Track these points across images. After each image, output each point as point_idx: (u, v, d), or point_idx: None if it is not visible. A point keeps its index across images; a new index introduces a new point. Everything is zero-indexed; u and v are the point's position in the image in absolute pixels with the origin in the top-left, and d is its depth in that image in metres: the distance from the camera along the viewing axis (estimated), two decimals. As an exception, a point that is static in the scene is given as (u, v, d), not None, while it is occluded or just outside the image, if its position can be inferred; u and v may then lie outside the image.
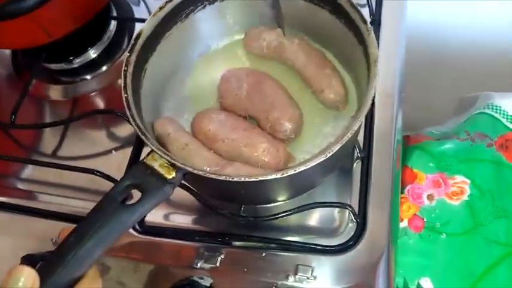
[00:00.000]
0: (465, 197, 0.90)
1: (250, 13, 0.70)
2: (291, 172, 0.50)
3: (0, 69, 0.94)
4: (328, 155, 0.50)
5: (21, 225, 0.74)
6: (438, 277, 0.86)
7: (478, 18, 1.21)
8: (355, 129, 0.52)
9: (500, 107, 0.98)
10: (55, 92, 0.89)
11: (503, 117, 0.97)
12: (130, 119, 0.55)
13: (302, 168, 0.50)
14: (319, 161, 0.50)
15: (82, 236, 0.47)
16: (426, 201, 0.91)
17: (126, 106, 0.56)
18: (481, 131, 0.96)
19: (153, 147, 0.53)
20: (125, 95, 0.57)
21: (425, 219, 0.89)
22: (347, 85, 0.65)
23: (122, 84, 0.57)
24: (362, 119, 0.52)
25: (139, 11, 0.93)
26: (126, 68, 0.58)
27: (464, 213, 0.88)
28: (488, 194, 0.89)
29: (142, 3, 0.94)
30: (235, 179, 0.51)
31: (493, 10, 1.20)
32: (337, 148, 0.50)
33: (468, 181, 0.91)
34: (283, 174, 0.51)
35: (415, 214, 0.91)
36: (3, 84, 0.92)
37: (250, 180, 0.51)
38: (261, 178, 0.51)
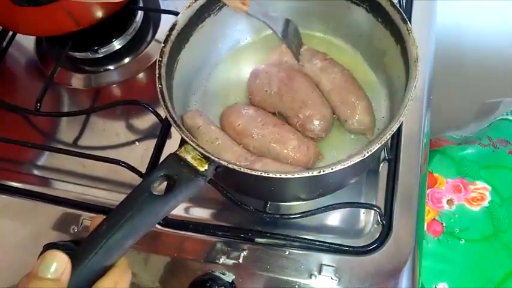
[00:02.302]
0: (485, 204, 0.89)
1: (284, 12, 0.69)
2: (328, 170, 0.50)
3: (24, 56, 0.93)
4: (367, 155, 0.50)
5: (42, 213, 0.73)
6: (455, 283, 0.86)
7: (502, 23, 1.20)
8: (394, 130, 0.51)
9: (523, 113, 0.97)
10: (77, 81, 0.88)
11: (526, 124, 0.96)
12: (165, 110, 0.55)
13: (339, 167, 0.50)
14: (357, 160, 0.49)
15: (113, 225, 0.47)
16: (446, 206, 0.91)
17: (160, 97, 0.55)
18: (503, 137, 0.95)
19: (187, 139, 0.53)
20: (159, 86, 0.56)
21: (444, 224, 0.89)
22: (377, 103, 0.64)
23: (157, 75, 0.57)
24: (401, 119, 0.51)
25: (165, 4, 0.92)
26: (160, 59, 0.58)
27: (484, 220, 0.88)
28: (509, 201, 0.89)
29: (169, -2, 0.93)
30: (270, 175, 0.50)
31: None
32: (376, 148, 0.50)
33: (489, 187, 0.90)
34: (319, 172, 0.50)
35: (434, 219, 0.90)
36: (27, 71, 0.92)
37: (285, 177, 0.50)
38: (296, 175, 0.50)
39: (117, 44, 0.87)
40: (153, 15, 0.91)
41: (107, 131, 0.82)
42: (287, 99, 0.63)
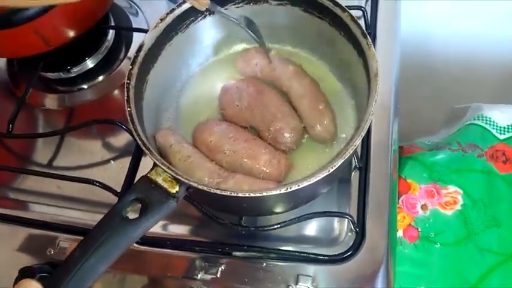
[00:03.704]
0: (458, 207, 0.91)
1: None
2: (295, 187, 0.51)
3: (-5, 78, 0.93)
4: (331, 170, 0.51)
5: (17, 237, 0.72)
6: (433, 286, 0.87)
7: (468, 32, 1.24)
8: (357, 143, 0.52)
9: (490, 118, 1.00)
10: (51, 101, 0.88)
11: (493, 128, 0.99)
12: (134, 134, 0.55)
13: (305, 183, 0.51)
14: (323, 176, 0.51)
15: (86, 250, 0.47)
16: (420, 212, 0.92)
17: (129, 120, 0.56)
18: (472, 142, 0.97)
19: (158, 162, 0.53)
20: (128, 109, 0.57)
21: (419, 229, 0.90)
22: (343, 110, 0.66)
23: (125, 98, 0.57)
24: (363, 133, 0.53)
25: (137, 22, 0.93)
26: (128, 82, 0.58)
27: (458, 223, 0.90)
28: (480, 203, 0.91)
29: (140, 13, 0.94)
30: (239, 194, 0.51)
31: (482, 23, 1.23)
32: (340, 163, 0.51)
33: (460, 191, 0.92)
34: (287, 189, 0.51)
35: (409, 224, 0.91)
36: (-2, 93, 0.91)
37: (255, 195, 0.51)
38: (265, 193, 0.51)
39: (90, 63, 0.87)
40: (125, 32, 0.91)
41: (81, 151, 0.82)
42: (258, 113, 0.64)
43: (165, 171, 0.52)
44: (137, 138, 0.54)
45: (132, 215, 0.51)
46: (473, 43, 1.27)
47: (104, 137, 0.83)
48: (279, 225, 0.63)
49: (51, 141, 0.83)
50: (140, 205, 0.52)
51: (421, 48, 1.24)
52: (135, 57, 0.60)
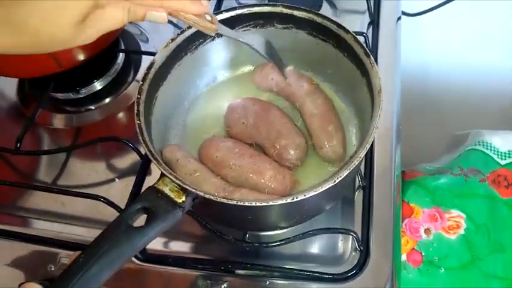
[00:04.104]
0: (461, 231, 0.90)
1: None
2: (301, 197, 0.52)
3: (5, 99, 0.95)
4: (337, 181, 0.52)
5: (18, 253, 0.72)
6: (438, 312, 0.86)
7: (467, 59, 1.27)
8: (362, 156, 0.54)
9: (490, 143, 1.01)
10: (58, 121, 0.90)
11: (494, 154, 1.00)
12: (143, 144, 0.56)
13: (312, 193, 0.52)
14: (328, 186, 0.51)
15: (90, 258, 0.47)
16: (424, 236, 0.91)
17: (139, 132, 0.57)
18: (473, 167, 0.98)
19: (165, 172, 0.54)
20: (138, 122, 0.58)
21: (423, 254, 0.89)
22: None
23: (135, 112, 0.59)
24: (368, 145, 0.54)
25: (146, 47, 0.96)
26: (139, 96, 0.60)
27: (462, 248, 0.89)
28: (483, 228, 0.90)
29: (150, 40, 0.98)
30: (246, 203, 0.52)
31: (482, 51, 1.26)
32: (345, 174, 0.52)
33: (463, 215, 0.92)
34: (293, 199, 0.52)
35: (413, 248, 0.91)
36: (8, 112, 0.93)
37: (260, 204, 0.52)
38: (271, 203, 0.52)
39: (98, 85, 0.89)
40: (134, 56, 0.94)
41: (86, 170, 0.83)
42: (263, 130, 0.66)
43: (172, 180, 0.53)
44: (146, 149, 0.55)
45: (137, 224, 0.51)
46: (472, 71, 1.30)
47: (109, 157, 0.84)
48: (283, 242, 0.63)
49: (56, 160, 0.84)
50: (146, 215, 0.53)
51: (421, 76, 1.27)
52: (146, 73, 0.62)
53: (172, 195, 0.53)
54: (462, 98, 1.30)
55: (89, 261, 0.47)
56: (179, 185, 0.53)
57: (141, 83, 0.61)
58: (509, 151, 0.99)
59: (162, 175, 0.54)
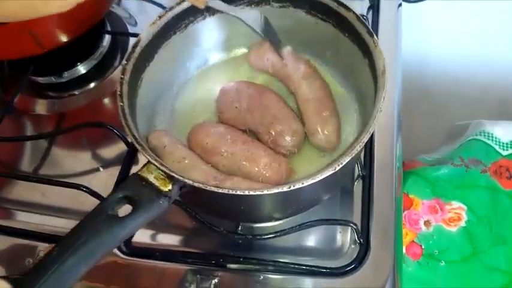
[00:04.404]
0: (462, 223, 0.88)
1: (253, 33, 0.69)
2: (299, 186, 0.48)
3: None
4: (338, 168, 0.48)
5: (-4, 246, 0.68)
6: (438, 306, 0.83)
7: (466, 49, 1.24)
8: (365, 141, 0.50)
9: (492, 134, 0.98)
10: (40, 107, 0.85)
11: (496, 144, 0.97)
12: (126, 128, 0.52)
13: (310, 181, 0.48)
14: (328, 174, 0.47)
15: (66, 250, 0.43)
16: (423, 228, 0.89)
17: (121, 115, 0.53)
18: (474, 157, 0.95)
19: (150, 158, 0.50)
20: (121, 104, 0.54)
21: (423, 246, 0.87)
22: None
23: (118, 93, 0.55)
24: (371, 130, 0.50)
25: (134, 31, 0.91)
26: (122, 76, 0.56)
27: (463, 240, 0.87)
28: (485, 220, 0.88)
29: (138, 23, 0.93)
30: (238, 192, 0.48)
31: (482, 41, 1.23)
32: (347, 160, 0.48)
33: (465, 207, 0.89)
34: (289, 187, 0.48)
35: (412, 241, 0.88)
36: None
37: (254, 193, 0.48)
38: (265, 192, 0.48)
39: (82, 68, 0.85)
40: (122, 39, 0.89)
41: (69, 159, 0.79)
42: (257, 115, 0.62)
43: (157, 167, 0.49)
44: (129, 133, 0.51)
45: (119, 214, 0.47)
46: (472, 61, 1.27)
47: (94, 145, 0.80)
48: (278, 234, 0.59)
49: (37, 148, 0.80)
50: (129, 204, 0.48)
51: (420, 65, 1.23)
52: (131, 52, 0.58)
53: (157, 183, 0.49)
54: (461, 88, 1.27)
55: (64, 253, 0.43)
56: (165, 172, 0.49)
57: (125, 62, 0.57)
58: (511, 141, 0.96)
59: (147, 162, 0.50)
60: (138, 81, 0.59)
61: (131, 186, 0.49)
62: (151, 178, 0.49)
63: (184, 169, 0.57)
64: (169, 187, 0.49)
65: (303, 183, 0.47)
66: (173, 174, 0.48)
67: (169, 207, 0.50)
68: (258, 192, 0.48)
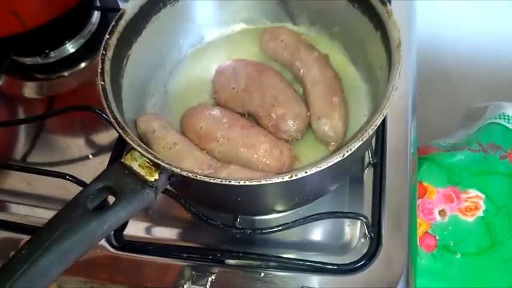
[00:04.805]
0: (480, 213, 0.84)
1: (252, 5, 0.63)
2: (301, 175, 0.42)
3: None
4: (347, 154, 0.42)
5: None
6: (453, 303, 0.79)
7: (480, 29, 1.17)
8: (378, 123, 0.44)
9: (512, 116, 0.92)
10: (29, 90, 0.80)
11: (516, 128, 0.91)
12: (107, 110, 0.47)
13: (315, 170, 0.42)
14: (336, 161, 0.42)
15: (36, 248, 0.39)
16: (438, 218, 0.84)
17: (102, 95, 0.48)
18: (493, 142, 0.90)
19: (133, 143, 0.45)
20: (102, 83, 0.49)
21: (437, 237, 0.82)
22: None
23: (99, 70, 0.49)
24: (385, 112, 0.44)
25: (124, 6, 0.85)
26: (104, 52, 0.51)
27: (480, 231, 0.82)
28: (504, 209, 0.84)
29: (130, -1, 0.86)
30: (232, 182, 0.42)
31: (498, 23, 1.16)
32: (357, 146, 0.42)
33: (482, 196, 0.85)
34: (291, 177, 0.42)
35: (426, 232, 0.83)
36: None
37: (250, 184, 0.43)
38: (264, 181, 0.43)
39: (70, 47, 0.79)
40: (112, 15, 0.83)
41: (58, 146, 0.74)
42: (257, 96, 0.56)
43: (142, 155, 0.43)
44: (110, 115, 0.45)
45: (98, 206, 0.42)
46: (486, 41, 1.21)
47: (84, 131, 0.75)
48: (280, 227, 0.55)
49: (24, 135, 0.75)
50: (112, 196, 0.43)
51: (432, 45, 1.16)
52: (114, 25, 0.52)
53: (142, 172, 0.44)
54: (479, 68, 1.21)
55: (34, 253, 0.38)
56: (151, 160, 0.43)
57: (108, 36, 0.51)
58: (533, 125, 0.90)
59: (131, 147, 0.44)
60: (123, 59, 0.54)
61: (112, 176, 0.44)
62: (135, 166, 0.44)
63: (176, 156, 0.51)
64: (156, 176, 0.44)
65: (306, 172, 0.42)
66: (159, 162, 0.43)
67: (155, 199, 0.44)
68: (255, 183, 0.42)
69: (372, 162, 0.61)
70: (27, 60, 0.79)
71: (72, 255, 0.40)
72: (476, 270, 0.79)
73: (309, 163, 0.53)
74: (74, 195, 0.59)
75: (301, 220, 0.54)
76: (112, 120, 0.45)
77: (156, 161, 0.43)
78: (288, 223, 0.55)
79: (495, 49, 1.21)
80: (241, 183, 0.42)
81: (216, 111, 0.56)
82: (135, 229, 0.62)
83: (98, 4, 0.83)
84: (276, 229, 0.55)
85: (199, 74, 0.63)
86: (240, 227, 0.57)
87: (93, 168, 0.69)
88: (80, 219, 0.40)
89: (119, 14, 0.53)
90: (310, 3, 0.60)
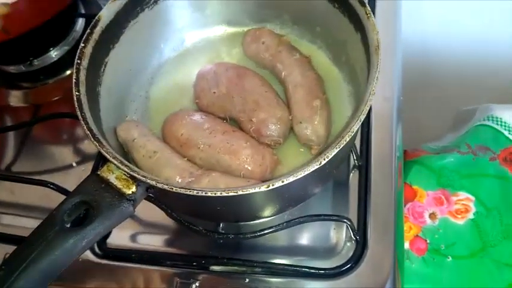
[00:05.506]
0: (470, 216, 0.83)
1: (232, 6, 0.63)
2: (278, 184, 0.42)
3: None
4: (323, 162, 0.41)
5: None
6: (445, 306, 0.78)
7: (468, 31, 1.18)
8: (355, 129, 0.43)
9: (501, 118, 0.92)
10: (14, 99, 0.80)
11: (505, 130, 0.91)
12: (82, 121, 0.46)
13: (292, 179, 0.42)
14: (312, 169, 0.41)
15: (12, 271, 0.38)
16: (428, 221, 0.83)
17: (77, 106, 0.47)
18: (482, 144, 0.90)
19: (108, 155, 0.44)
20: (77, 93, 0.48)
21: (428, 241, 0.82)
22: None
23: (73, 80, 0.49)
24: (362, 118, 0.44)
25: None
26: (79, 62, 0.50)
27: (471, 234, 0.81)
28: (495, 211, 0.83)
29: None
30: (208, 194, 0.42)
31: (487, 25, 1.17)
32: (334, 153, 0.41)
33: (473, 198, 0.84)
34: (268, 186, 0.42)
35: (417, 235, 0.83)
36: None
37: (227, 195, 0.42)
38: (240, 192, 0.42)
39: (54, 55, 0.79)
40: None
41: (43, 154, 0.74)
42: (238, 101, 0.55)
43: (118, 167, 0.42)
44: (85, 127, 0.45)
45: (74, 223, 0.42)
46: (476, 41, 1.21)
47: (68, 139, 0.75)
48: (264, 232, 0.54)
49: (8, 143, 0.74)
50: (90, 209, 0.42)
51: (421, 47, 1.17)
52: (89, 33, 0.51)
53: (119, 184, 0.43)
54: (467, 71, 1.21)
55: (12, 274, 0.37)
56: (127, 172, 0.42)
57: (83, 45, 0.50)
58: (522, 126, 0.90)
59: (107, 160, 0.44)
60: (100, 67, 0.53)
61: (89, 190, 0.43)
62: (112, 179, 0.44)
63: (156, 165, 0.51)
64: (133, 189, 0.43)
65: (283, 182, 0.41)
66: (134, 174, 0.42)
67: (133, 211, 0.44)
68: (231, 194, 0.41)
69: (357, 164, 0.61)
70: (12, 69, 0.79)
71: (51, 274, 0.39)
72: (468, 273, 0.78)
73: (293, 167, 0.53)
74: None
75: (285, 224, 0.54)
76: (87, 132, 0.45)
77: (131, 173, 0.42)
78: (271, 227, 0.54)
79: (485, 51, 1.22)
80: (218, 194, 0.41)
81: (197, 117, 0.55)
82: (118, 237, 0.61)
83: (83, 11, 0.83)
84: (259, 234, 0.54)
85: (181, 79, 0.62)
86: (223, 232, 0.56)
87: (76, 176, 0.68)
88: (57, 237, 0.40)
89: (93, 21, 0.52)
90: (292, 2, 0.60)
